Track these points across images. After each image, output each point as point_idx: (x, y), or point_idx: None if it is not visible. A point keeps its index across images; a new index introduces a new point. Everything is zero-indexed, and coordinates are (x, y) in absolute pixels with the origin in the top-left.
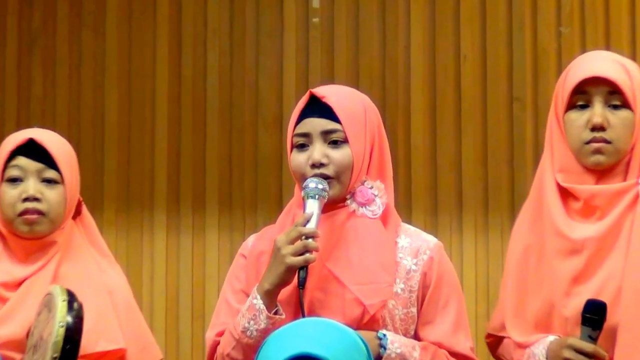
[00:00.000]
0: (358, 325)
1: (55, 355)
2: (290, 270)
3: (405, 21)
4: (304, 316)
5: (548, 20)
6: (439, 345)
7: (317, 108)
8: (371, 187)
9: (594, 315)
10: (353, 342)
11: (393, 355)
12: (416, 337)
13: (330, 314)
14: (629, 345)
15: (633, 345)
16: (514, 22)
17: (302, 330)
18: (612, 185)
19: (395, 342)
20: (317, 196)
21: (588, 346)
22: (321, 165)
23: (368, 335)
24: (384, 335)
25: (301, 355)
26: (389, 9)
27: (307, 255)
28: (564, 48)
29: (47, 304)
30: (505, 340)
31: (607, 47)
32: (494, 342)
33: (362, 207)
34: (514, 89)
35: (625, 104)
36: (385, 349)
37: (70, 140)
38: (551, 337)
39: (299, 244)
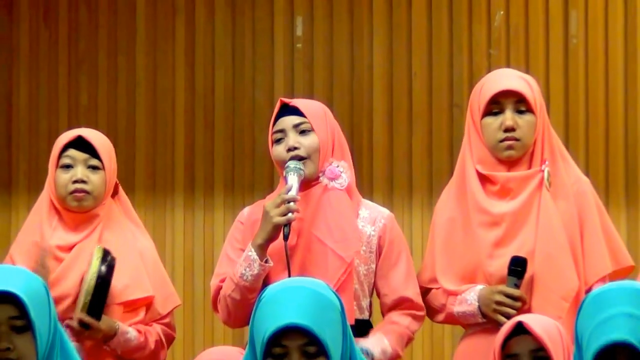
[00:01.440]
0: (339, 278)
1: (88, 298)
2: (276, 228)
3: (369, 46)
4: (288, 264)
5: (481, 44)
6: (403, 301)
7: (287, 111)
8: (337, 166)
9: (518, 267)
10: (328, 302)
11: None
12: (375, 288)
13: (317, 268)
14: (542, 291)
15: (545, 291)
16: (454, 46)
17: (286, 300)
18: (522, 172)
19: (375, 348)
20: (295, 173)
21: (515, 291)
22: (295, 149)
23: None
24: (364, 350)
25: (288, 326)
26: (356, 37)
27: (289, 215)
28: (493, 66)
29: (90, 260)
30: (433, 291)
31: (527, 66)
32: (422, 293)
33: (332, 181)
34: (454, 97)
35: (529, 109)
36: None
37: (108, 137)
38: (480, 286)
39: (283, 207)
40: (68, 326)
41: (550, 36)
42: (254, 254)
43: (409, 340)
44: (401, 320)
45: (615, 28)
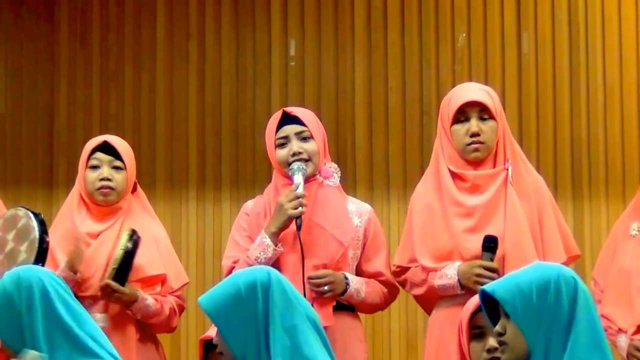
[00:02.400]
0: (336, 259)
1: (114, 266)
2: (290, 219)
3: (351, 64)
4: (302, 249)
5: (446, 61)
6: (376, 274)
7: (289, 120)
8: (330, 167)
9: (491, 244)
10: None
11: (353, 290)
12: (358, 269)
13: (318, 249)
14: (511, 271)
15: (512, 269)
16: (424, 63)
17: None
18: (489, 170)
19: (353, 281)
20: (300, 172)
21: (492, 264)
22: (299, 153)
23: (339, 275)
24: (347, 276)
25: None
26: (340, 56)
27: (300, 208)
28: (457, 80)
29: (119, 237)
30: (412, 269)
31: (486, 80)
32: (400, 272)
33: (326, 179)
34: (424, 107)
35: (491, 117)
36: (349, 285)
37: (133, 142)
38: (457, 262)
39: (295, 201)
40: (100, 289)
41: (505, 54)
42: (268, 240)
43: (379, 303)
44: (379, 285)
45: (561, 46)
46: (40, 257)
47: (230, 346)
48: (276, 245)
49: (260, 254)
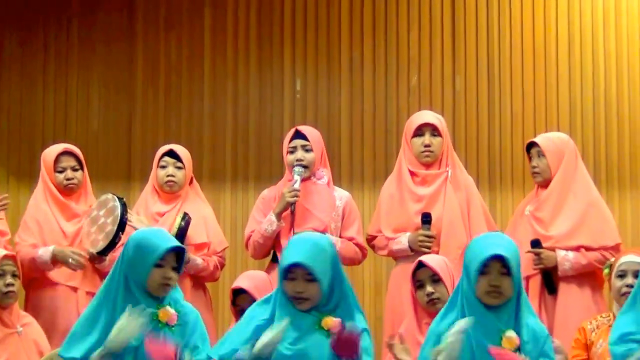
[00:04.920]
0: (320, 230)
1: None
2: (288, 204)
3: (338, 96)
4: (292, 226)
5: (404, 94)
6: (351, 238)
7: (299, 135)
8: (322, 171)
9: (427, 218)
10: (322, 247)
11: (337, 247)
12: (340, 236)
13: (306, 225)
14: (446, 243)
15: (447, 243)
16: (388, 95)
17: (296, 246)
18: (436, 171)
19: (332, 238)
20: (298, 174)
21: (430, 232)
22: (301, 160)
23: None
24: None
25: (294, 264)
26: (331, 90)
27: (295, 197)
28: (411, 108)
29: (175, 218)
30: (378, 237)
31: (430, 107)
32: (371, 239)
33: (318, 180)
34: (388, 126)
35: (439, 134)
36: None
37: (188, 148)
38: (408, 233)
39: (292, 192)
40: None
41: (444, 90)
42: (273, 218)
43: (353, 257)
44: (353, 245)
45: (482, 85)
46: (121, 227)
47: (323, 291)
48: (279, 222)
49: (268, 226)
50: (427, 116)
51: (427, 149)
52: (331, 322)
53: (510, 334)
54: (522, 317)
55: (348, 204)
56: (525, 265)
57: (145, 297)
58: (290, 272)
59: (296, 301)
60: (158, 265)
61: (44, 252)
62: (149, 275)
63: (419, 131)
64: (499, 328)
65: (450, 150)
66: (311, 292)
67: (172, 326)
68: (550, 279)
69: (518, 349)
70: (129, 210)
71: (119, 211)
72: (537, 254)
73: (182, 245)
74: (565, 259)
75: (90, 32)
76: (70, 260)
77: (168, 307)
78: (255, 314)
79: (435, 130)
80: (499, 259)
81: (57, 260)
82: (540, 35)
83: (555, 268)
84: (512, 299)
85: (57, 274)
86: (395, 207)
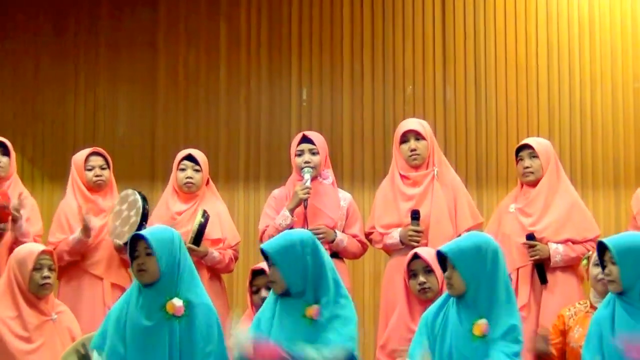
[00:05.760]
0: (330, 226)
1: (192, 235)
2: (301, 201)
3: (340, 104)
4: (305, 221)
5: (400, 103)
6: (354, 235)
7: (306, 140)
8: (327, 172)
9: (416, 215)
10: (293, 242)
11: (338, 239)
12: (344, 233)
13: (317, 221)
14: (434, 235)
15: (436, 235)
16: (386, 104)
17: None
18: (423, 171)
19: (339, 235)
20: (308, 174)
21: (418, 227)
22: (309, 162)
23: (330, 230)
24: (336, 232)
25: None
26: (334, 100)
27: (308, 194)
28: (406, 115)
29: (196, 215)
30: (374, 232)
31: (424, 115)
32: (368, 234)
33: (324, 180)
34: (385, 131)
35: (423, 138)
36: (336, 236)
37: (207, 152)
38: (399, 229)
39: (304, 189)
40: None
41: (436, 99)
42: (287, 213)
43: (356, 252)
44: (356, 241)
45: (471, 96)
46: (144, 218)
47: (285, 277)
48: (292, 217)
49: (282, 221)
50: (409, 124)
51: (413, 152)
52: (311, 309)
53: (481, 322)
54: (494, 306)
55: (351, 205)
56: (516, 256)
57: (153, 288)
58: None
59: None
60: (135, 257)
61: (74, 235)
62: (132, 267)
63: (404, 138)
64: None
65: (437, 150)
66: (276, 277)
67: (179, 317)
68: (542, 271)
69: (485, 336)
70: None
71: (140, 203)
72: (533, 247)
73: (142, 234)
74: (557, 251)
75: (117, 46)
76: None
77: (175, 300)
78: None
79: (418, 135)
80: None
81: (87, 228)
82: (522, 49)
83: (547, 260)
84: (468, 291)
85: (84, 264)
86: (389, 206)
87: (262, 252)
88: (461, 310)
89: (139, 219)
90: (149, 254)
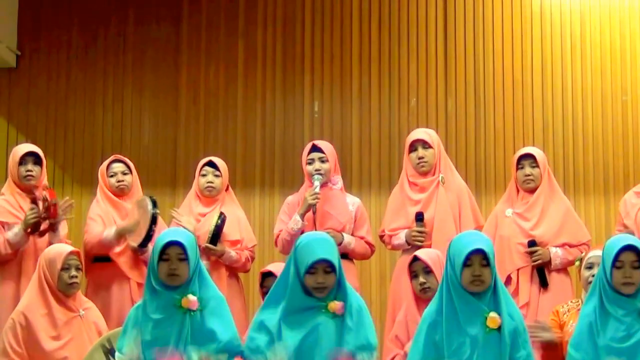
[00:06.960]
0: (339, 231)
1: (210, 235)
2: (310, 206)
3: (350, 116)
4: (315, 225)
5: (405, 114)
6: (361, 237)
7: (316, 149)
8: (336, 178)
9: (420, 216)
10: (334, 244)
11: (345, 242)
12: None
13: (327, 226)
14: (438, 237)
15: (439, 238)
16: (392, 115)
17: (314, 244)
18: (429, 178)
19: (347, 237)
20: (318, 180)
21: (422, 228)
22: (319, 170)
23: (338, 234)
24: (343, 235)
25: (319, 260)
26: (343, 111)
27: (316, 200)
28: (410, 125)
29: (213, 217)
30: (385, 234)
31: (427, 125)
32: (381, 236)
33: (334, 185)
34: (391, 141)
35: (430, 147)
36: (344, 238)
37: (226, 160)
38: (406, 230)
39: (313, 195)
40: (203, 249)
41: (438, 111)
42: (298, 218)
43: (363, 253)
44: (363, 242)
45: (471, 107)
46: (154, 221)
47: (337, 270)
48: (303, 221)
49: (294, 225)
50: (417, 133)
51: (421, 160)
52: (335, 305)
53: (493, 314)
54: (501, 300)
55: (359, 209)
56: (516, 257)
57: (164, 288)
58: (312, 267)
59: (316, 291)
60: (164, 260)
61: (108, 232)
62: (158, 269)
63: (413, 147)
64: (483, 310)
65: (444, 157)
66: (330, 282)
67: (194, 311)
68: (543, 275)
69: (499, 328)
70: (177, 210)
71: (150, 208)
72: (535, 252)
73: (179, 240)
74: (557, 255)
75: (142, 62)
76: (132, 229)
77: (190, 296)
78: (264, 317)
79: (425, 144)
80: (480, 252)
81: (121, 235)
82: (518, 65)
83: (547, 263)
84: (490, 286)
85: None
86: (398, 210)
87: (324, 261)
88: (473, 304)
89: (148, 222)
90: (181, 259)
